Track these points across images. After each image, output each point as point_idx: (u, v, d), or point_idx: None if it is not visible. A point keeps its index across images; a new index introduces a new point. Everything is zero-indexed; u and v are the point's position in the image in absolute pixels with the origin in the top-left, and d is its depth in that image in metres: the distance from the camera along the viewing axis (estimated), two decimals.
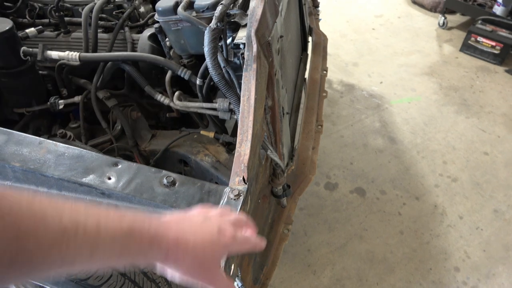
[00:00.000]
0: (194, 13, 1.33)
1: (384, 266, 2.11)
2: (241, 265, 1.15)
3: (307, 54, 2.42)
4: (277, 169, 1.35)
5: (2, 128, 0.97)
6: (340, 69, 3.55)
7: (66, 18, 1.61)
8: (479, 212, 2.37)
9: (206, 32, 1.16)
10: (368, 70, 3.54)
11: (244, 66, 1.08)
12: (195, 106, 1.45)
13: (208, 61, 1.16)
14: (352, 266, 2.10)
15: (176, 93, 1.48)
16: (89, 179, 0.90)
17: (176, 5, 1.34)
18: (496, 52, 3.58)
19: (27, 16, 1.67)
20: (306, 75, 2.26)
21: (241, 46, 1.21)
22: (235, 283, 1.10)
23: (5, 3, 1.67)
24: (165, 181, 0.92)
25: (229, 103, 1.38)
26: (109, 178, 0.91)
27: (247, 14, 1.23)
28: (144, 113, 1.73)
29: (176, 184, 0.93)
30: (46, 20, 1.66)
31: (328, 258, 2.13)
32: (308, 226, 2.28)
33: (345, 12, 4.42)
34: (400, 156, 2.72)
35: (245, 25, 1.24)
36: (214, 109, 1.44)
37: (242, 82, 1.07)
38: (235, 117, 1.41)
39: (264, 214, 1.42)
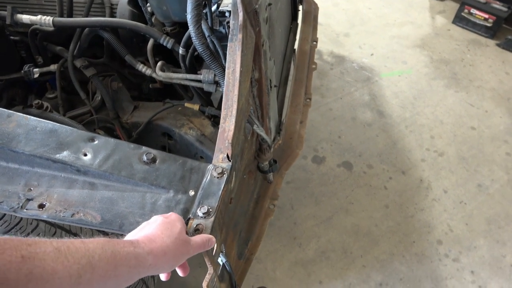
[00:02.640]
0: None
1: (368, 239, 2.13)
2: (226, 240, 1.13)
3: (297, 24, 2.33)
4: (263, 144, 1.31)
5: None
6: (331, 40, 3.47)
7: None
8: (463, 186, 2.40)
9: None
10: (359, 41, 3.46)
11: (230, 35, 1.02)
12: (178, 77, 1.39)
13: (191, 30, 1.09)
14: (337, 239, 2.12)
15: (159, 63, 1.41)
16: (63, 155, 0.84)
17: None
18: (488, 25, 3.52)
19: None
20: (296, 46, 2.18)
21: (227, 14, 1.14)
22: (219, 259, 1.09)
23: None
24: (145, 157, 0.87)
25: (215, 75, 1.32)
26: (85, 155, 0.86)
27: None
28: (126, 83, 1.66)
29: (157, 161, 0.88)
30: None
31: (314, 231, 2.15)
32: (294, 199, 2.28)
33: None
34: (388, 130, 2.70)
35: None
36: (199, 81, 1.38)
37: (227, 53, 1.01)
38: (221, 89, 1.35)
39: (249, 189, 1.39)
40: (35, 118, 0.89)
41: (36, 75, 1.47)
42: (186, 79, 1.38)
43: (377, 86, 3.03)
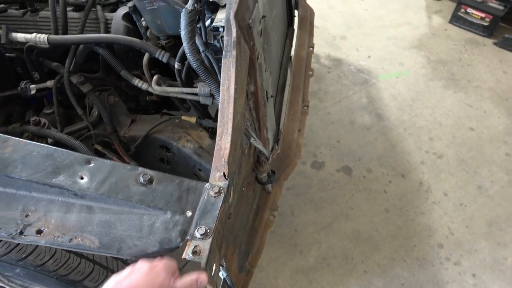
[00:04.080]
0: None
1: (369, 244, 2.13)
2: (226, 255, 1.13)
3: (293, 30, 2.33)
4: (261, 156, 1.31)
5: None
6: (328, 43, 3.46)
7: None
8: (463, 189, 2.39)
9: (182, 14, 1.08)
10: (356, 44, 3.46)
11: (224, 52, 1.02)
12: (174, 91, 1.39)
13: (185, 46, 1.09)
14: (338, 245, 2.12)
15: (155, 78, 1.41)
16: (60, 179, 0.84)
17: None
18: (485, 24, 3.52)
19: None
20: (292, 53, 2.18)
21: (220, 29, 1.14)
22: (220, 273, 1.09)
23: None
24: (141, 179, 0.87)
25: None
26: (82, 178, 0.86)
27: None
28: (123, 96, 1.66)
29: (154, 182, 0.88)
30: None
31: (315, 237, 2.15)
32: (295, 205, 2.28)
33: None
34: (387, 133, 2.70)
35: (225, 5, 1.16)
36: (195, 94, 1.38)
37: (222, 70, 1.01)
38: (217, 101, 1.35)
39: (248, 201, 1.39)
40: (31, 142, 0.89)
41: (33, 92, 1.47)
42: (183, 93, 1.38)
43: (374, 89, 3.03)
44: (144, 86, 1.41)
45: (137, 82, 1.41)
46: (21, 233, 0.80)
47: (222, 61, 1.02)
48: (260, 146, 1.24)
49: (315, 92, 2.97)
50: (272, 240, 2.12)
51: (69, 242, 0.79)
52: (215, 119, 1.55)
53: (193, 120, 1.50)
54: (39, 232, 0.81)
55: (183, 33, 1.09)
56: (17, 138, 0.89)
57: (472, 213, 2.28)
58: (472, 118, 2.82)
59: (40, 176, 0.84)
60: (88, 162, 0.89)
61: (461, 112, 2.86)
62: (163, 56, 1.37)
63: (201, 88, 1.35)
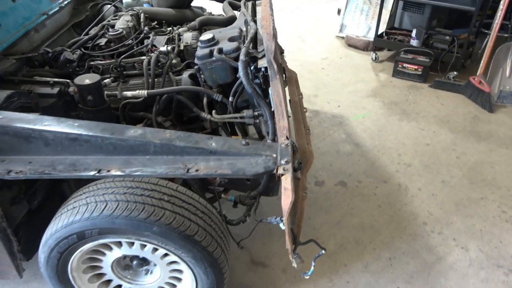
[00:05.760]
0: (223, 55, 2.04)
1: (372, 230, 2.75)
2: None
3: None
4: (294, 147, 2.01)
5: (139, 127, 1.57)
6: (305, 100, 4.35)
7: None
8: (431, 184, 3.13)
9: (239, 63, 1.86)
10: (326, 99, 4.40)
11: (270, 78, 1.78)
12: (229, 117, 2.11)
13: (244, 80, 1.84)
14: (349, 234, 2.72)
15: (213, 111, 2.14)
16: (201, 145, 1.51)
17: (211, 52, 2.04)
18: (419, 73, 4.62)
19: None
20: (288, 98, 3.00)
21: (263, 69, 1.92)
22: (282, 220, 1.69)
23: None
24: (243, 142, 1.55)
25: (253, 111, 2.05)
26: (211, 144, 1.53)
27: (260, 51, 1.97)
28: None
29: (250, 144, 1.56)
30: (107, 75, 2.27)
31: (330, 232, 2.74)
32: (309, 212, 2.89)
33: (297, 59, 5.37)
34: (366, 155, 3.47)
35: (261, 57, 1.96)
36: (242, 117, 2.10)
37: (271, 87, 1.76)
38: (257, 121, 2.08)
39: None
40: (176, 131, 1.56)
41: None
42: (234, 117, 2.10)
43: (348, 127, 3.88)
44: (208, 116, 2.12)
45: (203, 114, 2.13)
46: (187, 172, 1.44)
47: (270, 83, 1.78)
48: (293, 139, 1.95)
49: None
50: None
51: (215, 172, 1.44)
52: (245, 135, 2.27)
53: (240, 138, 2.20)
54: (197, 170, 1.44)
55: (241, 73, 1.85)
56: (169, 130, 1.56)
57: (442, 199, 2.98)
58: (426, 137, 3.68)
59: (190, 144, 1.50)
60: (210, 138, 1.56)
61: (417, 134, 3.73)
62: (218, 97, 2.11)
63: (246, 113, 2.08)
